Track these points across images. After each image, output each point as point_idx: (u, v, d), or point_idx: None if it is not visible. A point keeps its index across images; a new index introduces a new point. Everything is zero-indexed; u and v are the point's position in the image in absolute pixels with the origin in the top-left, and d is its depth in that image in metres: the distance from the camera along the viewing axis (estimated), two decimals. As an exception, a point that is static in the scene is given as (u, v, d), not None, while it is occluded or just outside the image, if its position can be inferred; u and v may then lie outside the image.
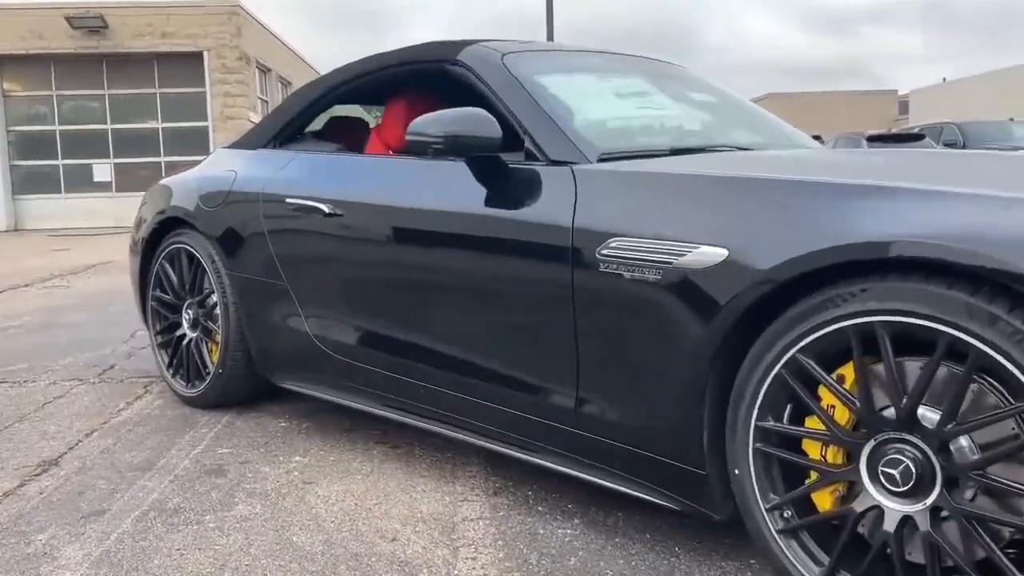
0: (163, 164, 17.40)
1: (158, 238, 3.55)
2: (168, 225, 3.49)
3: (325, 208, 2.74)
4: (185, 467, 2.79)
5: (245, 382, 3.30)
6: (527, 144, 2.30)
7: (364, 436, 3.09)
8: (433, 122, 2.24)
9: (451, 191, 2.39)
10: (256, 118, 17.72)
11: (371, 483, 2.63)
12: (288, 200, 2.88)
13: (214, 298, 3.30)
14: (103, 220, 16.83)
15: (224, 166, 3.33)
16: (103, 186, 17.47)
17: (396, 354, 2.61)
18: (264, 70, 18.95)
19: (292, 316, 2.96)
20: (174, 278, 3.47)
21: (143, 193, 4.01)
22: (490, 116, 2.25)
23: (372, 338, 2.69)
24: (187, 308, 3.44)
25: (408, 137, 2.28)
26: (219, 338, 3.29)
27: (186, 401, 3.48)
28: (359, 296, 2.71)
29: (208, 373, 3.34)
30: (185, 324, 3.47)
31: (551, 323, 2.09)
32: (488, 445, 2.44)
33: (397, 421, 2.75)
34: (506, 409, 2.28)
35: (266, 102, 19.10)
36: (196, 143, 17.19)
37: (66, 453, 2.96)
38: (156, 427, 3.22)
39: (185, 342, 3.46)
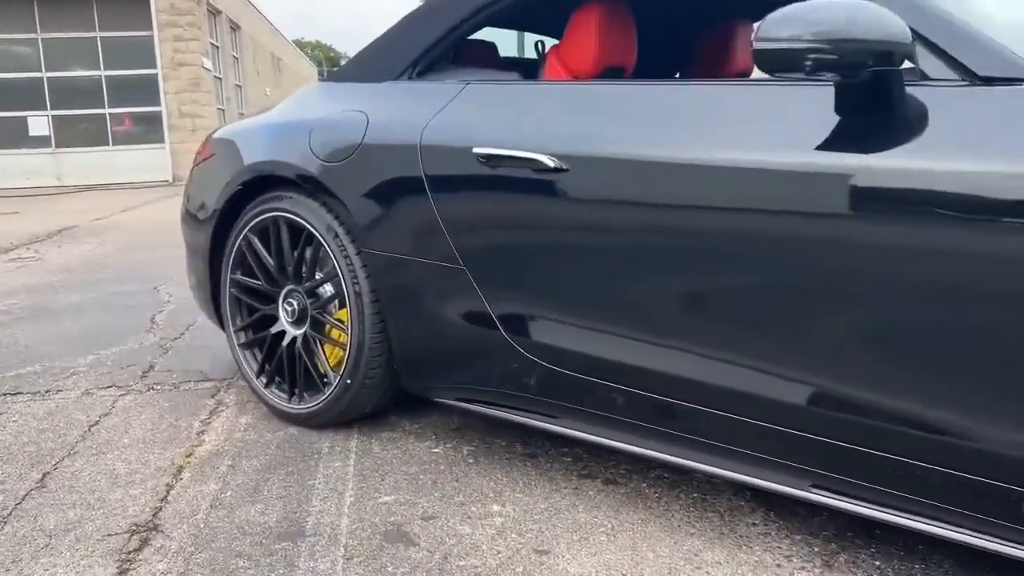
0: (108, 116, 15.97)
1: (238, 204, 2.66)
2: (255, 187, 2.61)
3: (547, 161, 1.91)
4: (351, 531, 1.98)
5: (376, 395, 2.48)
6: (927, 56, 1.52)
7: (554, 464, 2.32)
8: (801, 20, 1.44)
9: (795, 131, 1.60)
10: (209, 64, 16.36)
11: (627, 549, 1.88)
12: (477, 151, 2.04)
13: (329, 287, 2.47)
14: (44, 179, 15.42)
15: (339, 105, 2.46)
16: (41, 141, 15.95)
17: (665, 369, 1.83)
18: (214, 12, 17.48)
19: (473, 311, 2.14)
20: (268, 258, 2.60)
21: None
22: (886, 9, 1.46)
23: (619, 346, 1.90)
24: (287, 297, 2.59)
25: (758, 45, 1.47)
26: (343, 338, 2.45)
27: (287, 418, 2.65)
28: (600, 288, 1.91)
29: (328, 384, 2.51)
30: (284, 318, 2.62)
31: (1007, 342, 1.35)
32: (827, 500, 1.70)
33: (635, 454, 1.98)
34: (890, 455, 1.54)
35: (217, 47, 17.68)
36: (144, 92, 15.78)
37: (161, 509, 2.11)
38: (266, 460, 2.39)
39: (286, 342, 2.61)
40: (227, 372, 3.26)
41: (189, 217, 2.93)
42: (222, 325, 2.88)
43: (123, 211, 10.65)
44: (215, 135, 2.88)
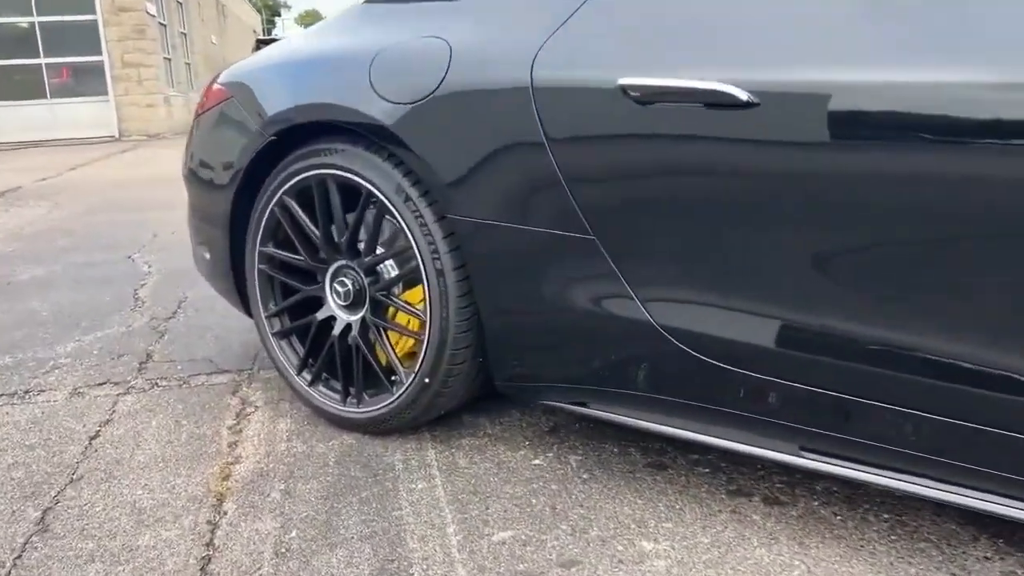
0: (44, 67, 14.88)
1: (268, 161, 2.12)
2: (292, 139, 2.07)
3: (736, 94, 1.42)
4: (476, 589, 1.51)
5: (458, 395, 2.01)
6: None
7: (691, 478, 1.88)
8: None
9: None
10: (153, 9, 15.31)
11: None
12: (625, 81, 1.54)
13: (393, 264, 1.99)
14: (-25, 135, 14.33)
15: (407, 29, 1.92)
16: (-32, 94, 14.83)
17: (892, 367, 1.39)
18: (154, -48, 16.34)
19: (604, 292, 1.66)
20: (311, 227, 2.08)
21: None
22: None
23: (821, 339, 1.45)
24: (338, 275, 2.07)
25: None
26: (413, 325, 1.96)
27: (340, 423, 2.15)
28: (801, 268, 1.43)
29: (397, 382, 2.01)
30: (333, 301, 2.10)
31: None
32: None
33: (843, 476, 1.54)
34: None
35: (159, -11, 16.55)
36: (84, 40, 14.71)
37: (210, 560, 1.63)
38: (329, 483, 1.90)
39: (337, 331, 2.09)
40: (242, 360, 2.74)
41: (197, 179, 2.38)
42: (247, 310, 2.35)
43: (71, 170, 9.84)
44: (228, 76, 2.32)
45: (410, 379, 1.97)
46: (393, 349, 2.03)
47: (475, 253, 1.81)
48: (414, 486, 1.87)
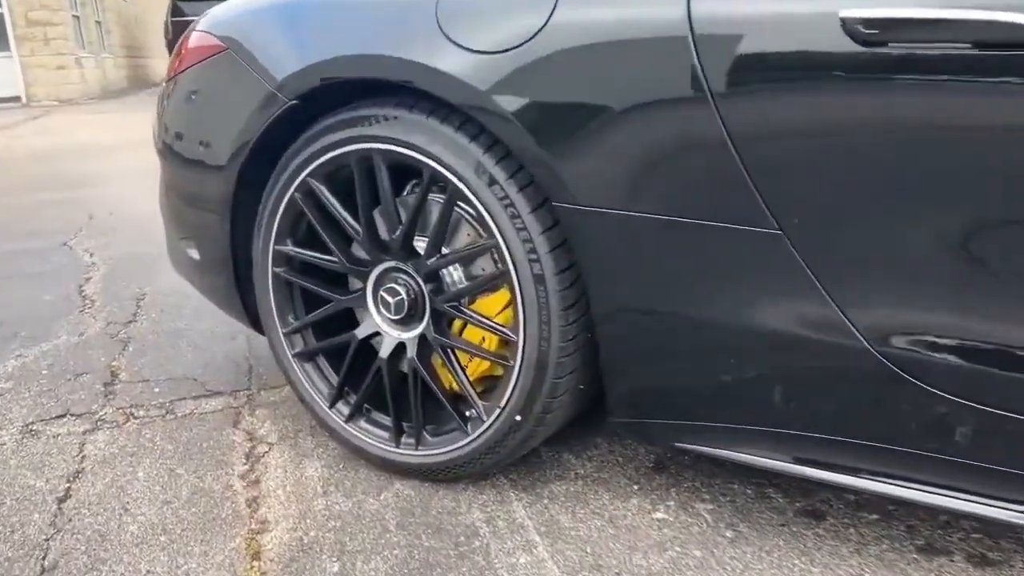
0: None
1: (284, 133, 1.62)
2: (316, 104, 1.57)
3: (1032, 28, 0.99)
4: None
5: (550, 432, 1.56)
6: None
7: (872, 534, 1.48)
8: None
9: None
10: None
11: None
12: (851, 14, 1.08)
13: (455, 269, 1.52)
14: None
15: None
16: None
17: None
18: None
19: (796, 308, 1.23)
20: (348, 218, 1.59)
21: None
22: None
23: None
24: (385, 281, 1.60)
25: None
26: (492, 344, 1.52)
27: (391, 468, 1.69)
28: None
29: (473, 420, 1.56)
30: (379, 314, 1.62)
31: None
32: None
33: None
34: None
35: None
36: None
37: None
38: (401, 557, 1.46)
39: (385, 352, 1.62)
40: (234, 376, 2.24)
41: (178, 157, 1.85)
42: (254, 323, 1.85)
43: (-22, 140, 8.91)
44: (218, 21, 1.78)
45: (494, 416, 1.51)
46: (467, 377, 1.57)
47: (594, 252, 1.35)
48: (514, 560, 1.43)
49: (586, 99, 1.29)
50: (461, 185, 1.43)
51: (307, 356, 1.75)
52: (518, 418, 1.49)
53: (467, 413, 1.57)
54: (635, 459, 1.74)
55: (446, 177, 1.45)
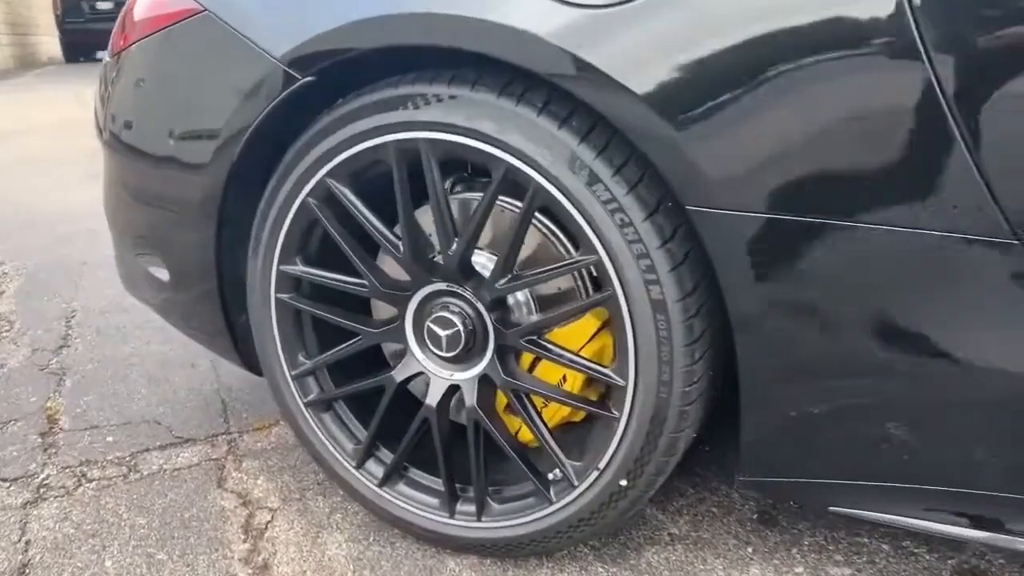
0: None
1: (287, 123, 1.23)
2: (334, 82, 1.19)
3: None
4: None
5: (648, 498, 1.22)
6: None
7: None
8: None
9: None
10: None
11: None
12: None
13: (526, 295, 1.24)
14: None
15: None
16: None
17: None
18: None
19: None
20: (382, 229, 1.22)
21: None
22: None
23: None
24: (429, 309, 1.24)
25: None
26: (577, 386, 1.18)
27: (442, 542, 1.33)
28: None
29: (559, 484, 1.22)
30: (420, 351, 1.27)
31: None
32: None
33: None
34: None
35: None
36: None
37: None
38: None
39: (435, 399, 1.26)
40: (205, 415, 1.85)
41: (135, 152, 1.44)
42: (247, 363, 1.46)
43: None
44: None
45: (590, 480, 1.18)
46: (548, 430, 1.22)
47: (742, 269, 1.01)
48: (637, 671, 1.09)
49: (742, 63, 0.95)
50: (549, 185, 1.08)
51: (324, 405, 1.37)
52: (623, 483, 1.16)
53: (553, 476, 1.23)
54: (734, 510, 1.43)
55: (526, 175, 1.09)
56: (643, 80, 0.98)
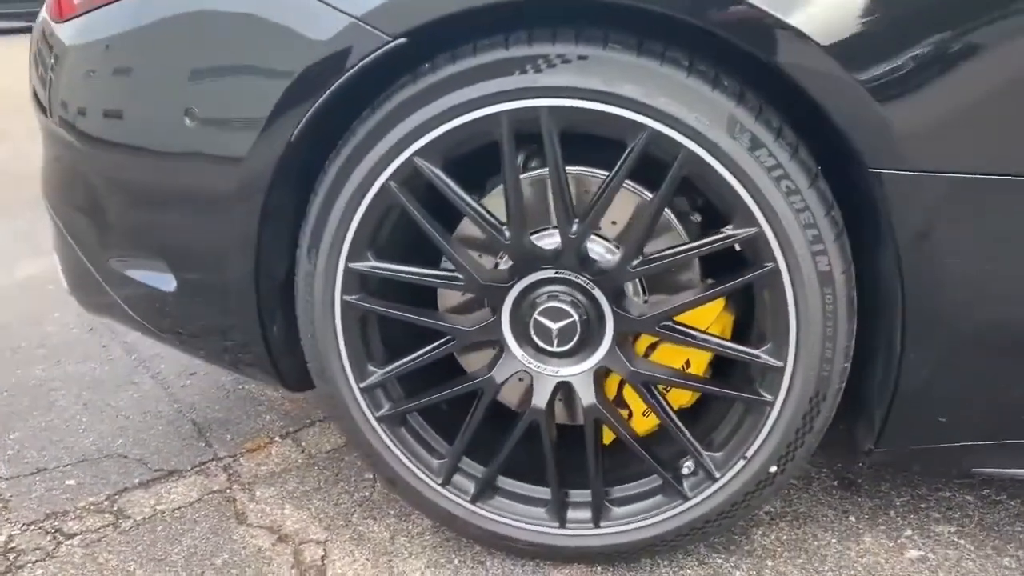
0: None
1: (357, 98, 1.05)
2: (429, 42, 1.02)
3: None
4: None
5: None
6: None
7: None
8: None
9: None
10: None
11: None
12: None
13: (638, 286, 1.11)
14: None
15: None
16: None
17: None
18: None
19: None
20: (485, 214, 1.07)
21: None
22: None
23: None
24: (532, 300, 1.10)
25: None
26: (698, 365, 1.11)
27: (561, 555, 1.22)
28: None
29: (694, 477, 1.14)
30: (519, 349, 1.13)
31: None
32: None
33: None
34: None
35: None
36: None
37: None
38: None
39: (543, 401, 1.13)
40: (178, 440, 1.61)
41: (131, 148, 1.18)
42: (287, 381, 1.26)
43: None
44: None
45: (736, 469, 1.09)
46: (671, 411, 1.12)
47: (922, 232, 0.95)
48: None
49: (935, 15, 0.88)
50: (703, 152, 0.97)
51: (399, 419, 1.20)
52: (772, 469, 1.09)
53: (686, 469, 1.13)
54: (812, 480, 1.40)
55: (674, 143, 0.97)
56: (829, 31, 0.89)
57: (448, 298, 1.24)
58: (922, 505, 1.33)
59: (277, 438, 1.60)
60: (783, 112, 0.99)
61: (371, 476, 1.45)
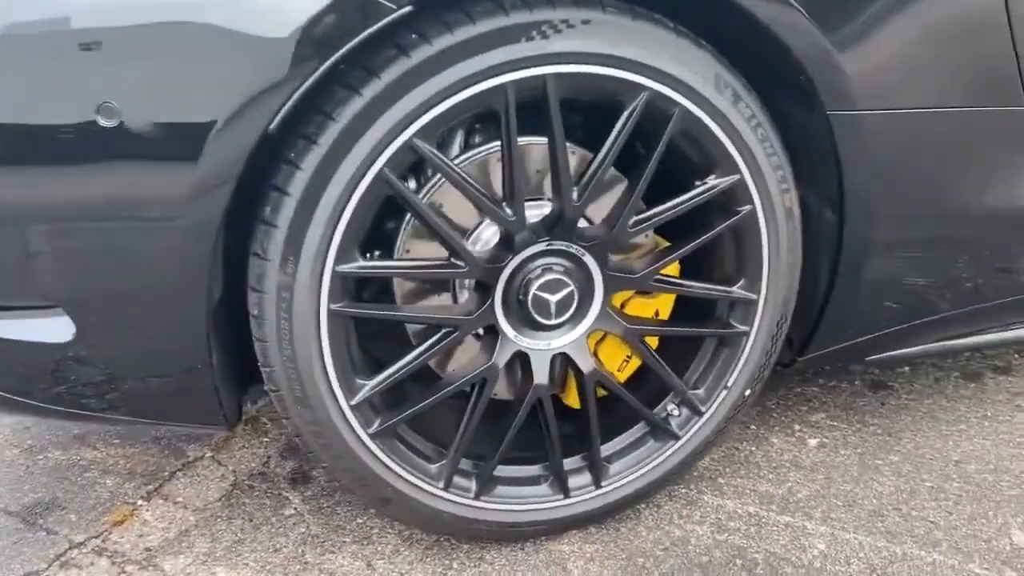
0: None
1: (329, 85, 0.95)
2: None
3: None
4: None
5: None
6: None
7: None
8: None
9: None
10: None
11: None
12: None
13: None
14: None
15: None
16: None
17: None
18: None
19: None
20: (480, 192, 1.04)
21: None
22: None
23: None
24: (524, 277, 1.10)
25: None
26: (663, 310, 1.22)
27: (563, 525, 1.23)
28: None
29: (680, 416, 1.22)
30: (511, 327, 1.12)
31: None
32: None
33: None
34: None
35: None
36: None
37: None
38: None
39: (544, 377, 1.14)
40: (11, 539, 1.28)
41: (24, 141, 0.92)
42: (227, 414, 1.09)
43: None
44: None
45: (719, 399, 1.20)
46: (666, 366, 1.19)
47: (864, 164, 1.13)
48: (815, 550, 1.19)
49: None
50: (696, 108, 1.04)
51: (391, 432, 1.09)
52: (747, 392, 1.21)
53: (669, 413, 1.20)
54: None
55: (670, 101, 1.03)
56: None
57: (406, 291, 1.14)
58: (791, 403, 1.54)
59: (140, 501, 1.34)
60: (752, 67, 1.07)
61: (295, 510, 1.29)
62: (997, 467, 1.35)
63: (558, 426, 1.15)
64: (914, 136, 1.12)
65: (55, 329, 0.98)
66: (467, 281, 1.12)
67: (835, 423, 1.48)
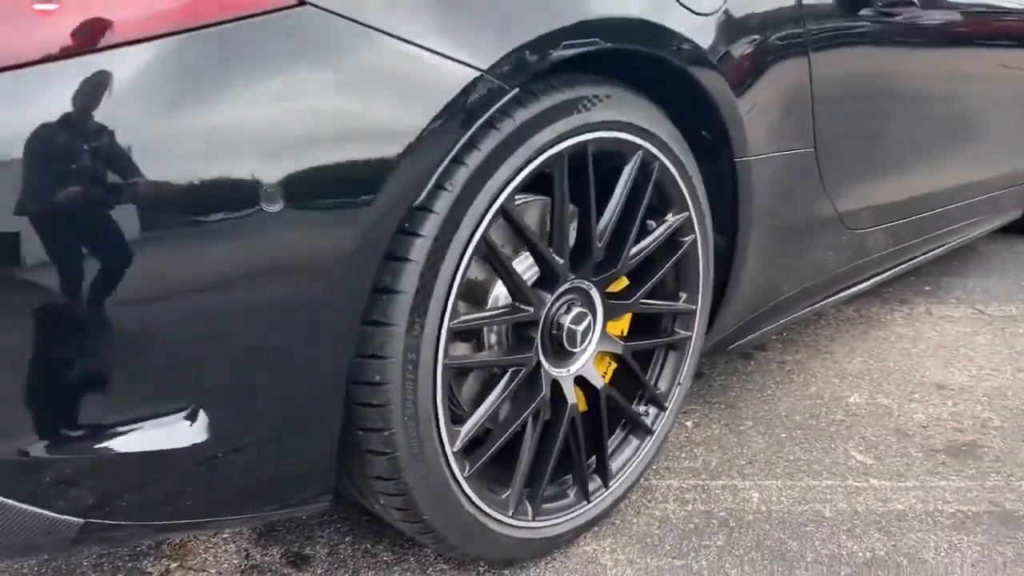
0: None
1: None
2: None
3: None
4: None
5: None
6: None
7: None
8: None
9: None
10: None
11: None
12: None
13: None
14: None
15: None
16: None
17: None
18: None
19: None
20: (538, 243, 1.24)
21: None
22: None
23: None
24: (558, 311, 1.29)
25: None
26: (621, 329, 1.51)
27: (577, 534, 1.42)
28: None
29: (651, 415, 1.49)
30: (546, 362, 1.31)
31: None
32: None
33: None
34: None
35: None
36: None
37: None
38: None
39: (573, 398, 1.34)
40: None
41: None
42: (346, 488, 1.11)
43: None
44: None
45: (675, 395, 1.49)
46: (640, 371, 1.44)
47: (752, 195, 1.50)
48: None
49: (752, 54, 1.42)
50: (668, 161, 1.32)
51: (479, 472, 1.19)
52: (688, 384, 1.51)
53: (644, 410, 1.45)
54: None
55: (656, 155, 1.30)
56: (725, 66, 1.34)
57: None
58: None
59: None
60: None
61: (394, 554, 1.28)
62: (814, 414, 1.81)
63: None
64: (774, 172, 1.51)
65: (182, 431, 0.92)
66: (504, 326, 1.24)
67: (694, 407, 1.83)
